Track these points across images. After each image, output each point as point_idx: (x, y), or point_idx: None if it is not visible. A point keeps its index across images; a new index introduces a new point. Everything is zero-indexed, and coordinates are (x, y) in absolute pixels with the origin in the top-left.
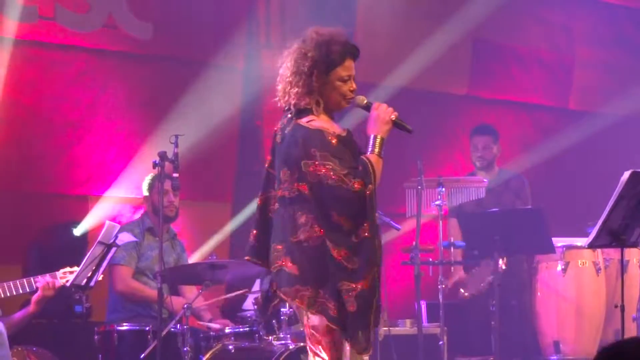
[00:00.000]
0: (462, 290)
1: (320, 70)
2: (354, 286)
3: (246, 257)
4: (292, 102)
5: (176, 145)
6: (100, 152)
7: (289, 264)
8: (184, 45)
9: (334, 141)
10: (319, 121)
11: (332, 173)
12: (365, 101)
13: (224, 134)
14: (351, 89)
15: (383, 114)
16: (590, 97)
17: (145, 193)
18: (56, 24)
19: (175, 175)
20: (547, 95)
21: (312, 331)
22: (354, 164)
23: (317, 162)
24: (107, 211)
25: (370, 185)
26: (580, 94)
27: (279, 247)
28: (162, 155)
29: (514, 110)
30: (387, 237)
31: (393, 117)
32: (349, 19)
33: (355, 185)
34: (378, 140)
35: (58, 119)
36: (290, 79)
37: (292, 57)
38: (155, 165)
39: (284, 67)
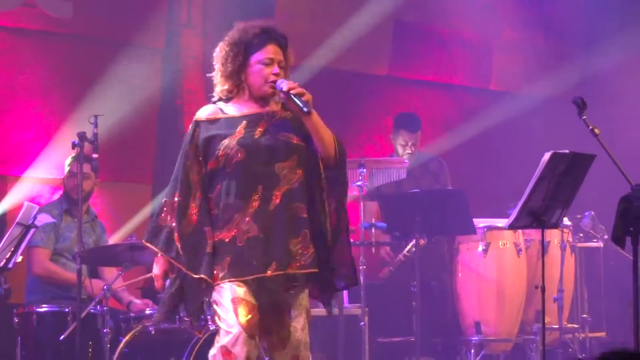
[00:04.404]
0: (382, 271)
1: (237, 53)
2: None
3: None
4: (218, 90)
5: (95, 126)
6: (19, 132)
7: None
8: (104, 25)
9: (190, 127)
10: (213, 104)
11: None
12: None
13: (144, 114)
14: (273, 72)
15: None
16: (512, 78)
17: (66, 173)
18: None
19: (95, 156)
20: (468, 76)
21: None
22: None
23: None
24: (26, 192)
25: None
26: (502, 75)
27: None
28: (82, 136)
29: (435, 91)
30: None
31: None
32: None
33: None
34: None
35: None
36: (215, 67)
37: (218, 48)
38: (74, 145)
39: None
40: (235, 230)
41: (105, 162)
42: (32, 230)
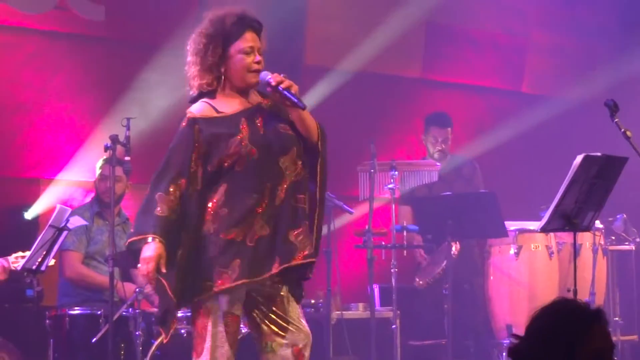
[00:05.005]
0: (417, 279)
1: (216, 45)
2: None
3: None
4: (196, 83)
5: (128, 128)
6: (51, 135)
7: None
8: (136, 28)
9: (183, 124)
10: (202, 102)
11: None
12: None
13: (176, 117)
14: (255, 61)
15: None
16: (544, 80)
17: (97, 176)
18: (7, 6)
19: (127, 158)
20: (501, 79)
21: None
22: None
23: None
24: (59, 194)
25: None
26: (534, 77)
27: None
28: (114, 139)
29: (467, 93)
30: (339, 220)
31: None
32: (301, 2)
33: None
34: None
35: (9, 101)
36: (191, 60)
37: (191, 40)
38: (106, 148)
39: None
40: (246, 230)
41: (138, 164)
42: (64, 233)
